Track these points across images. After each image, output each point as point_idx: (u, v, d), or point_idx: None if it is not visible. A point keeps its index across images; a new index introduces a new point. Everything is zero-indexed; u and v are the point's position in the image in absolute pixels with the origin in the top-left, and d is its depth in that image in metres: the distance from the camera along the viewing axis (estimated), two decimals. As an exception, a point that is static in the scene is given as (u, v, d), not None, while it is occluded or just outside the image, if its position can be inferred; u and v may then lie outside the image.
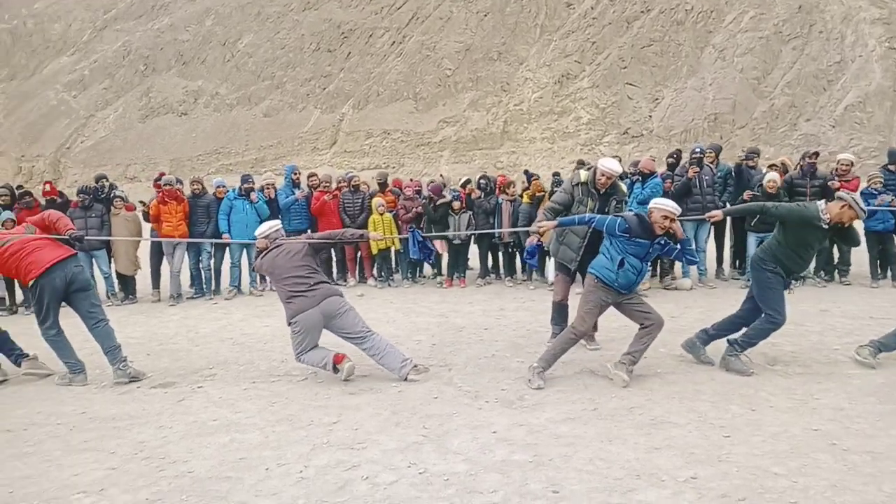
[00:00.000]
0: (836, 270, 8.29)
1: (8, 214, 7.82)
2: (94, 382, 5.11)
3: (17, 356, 5.32)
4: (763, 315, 4.84)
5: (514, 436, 3.73)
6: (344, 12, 49.91)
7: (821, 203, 4.68)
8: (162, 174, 9.90)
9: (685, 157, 8.52)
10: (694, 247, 4.88)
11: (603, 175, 5.41)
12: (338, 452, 3.57)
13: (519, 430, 3.82)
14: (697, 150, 8.24)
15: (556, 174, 9.60)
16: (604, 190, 5.48)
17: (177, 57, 52.13)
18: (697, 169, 7.96)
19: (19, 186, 9.01)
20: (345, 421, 4.03)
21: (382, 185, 9.72)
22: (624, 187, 5.77)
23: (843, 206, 4.55)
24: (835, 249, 8.30)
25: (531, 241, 5.73)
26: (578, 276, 5.74)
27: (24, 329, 7.27)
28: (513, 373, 4.95)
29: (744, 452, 3.42)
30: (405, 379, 4.74)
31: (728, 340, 4.96)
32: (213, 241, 8.46)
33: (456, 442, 3.66)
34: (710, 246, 8.90)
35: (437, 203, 8.75)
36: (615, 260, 4.59)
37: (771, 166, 8.35)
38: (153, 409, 4.41)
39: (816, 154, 8.26)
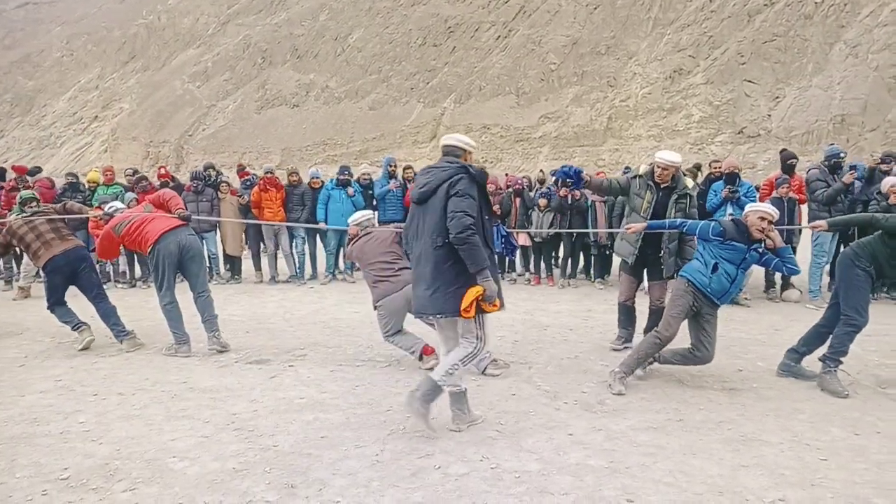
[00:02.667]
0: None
1: (132, 196, 8.57)
2: (196, 355, 5.51)
3: (119, 331, 5.79)
4: (842, 318, 4.48)
5: (592, 440, 3.65)
6: (451, 7, 50.38)
7: None
8: (241, 165, 10.48)
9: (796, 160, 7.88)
10: (793, 256, 4.54)
11: (659, 167, 5.10)
12: (413, 440, 3.64)
13: (597, 434, 3.73)
14: (841, 153, 7.54)
15: (626, 168, 9.24)
16: (664, 184, 5.17)
17: (292, 51, 54.76)
18: (855, 175, 7.27)
19: (135, 172, 9.79)
20: (422, 410, 4.10)
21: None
22: (689, 181, 5.39)
23: None
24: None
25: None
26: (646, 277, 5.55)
27: (140, 301, 7.96)
28: (595, 376, 4.83)
29: (842, 479, 3.16)
30: (483, 373, 4.75)
31: (819, 359, 4.62)
32: (313, 226, 8.83)
33: (530, 441, 3.64)
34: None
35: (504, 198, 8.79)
36: (709, 264, 4.37)
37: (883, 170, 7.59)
38: (247, 384, 4.69)
39: None
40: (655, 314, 5.49)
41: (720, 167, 8.06)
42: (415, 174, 9.57)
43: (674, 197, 5.17)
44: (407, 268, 5.04)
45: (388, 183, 9.38)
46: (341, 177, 9.18)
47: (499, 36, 47.74)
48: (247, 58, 55.97)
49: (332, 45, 53.36)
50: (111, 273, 9.46)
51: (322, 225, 8.83)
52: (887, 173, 7.70)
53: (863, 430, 3.76)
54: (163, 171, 9.72)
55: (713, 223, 4.41)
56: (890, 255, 4.38)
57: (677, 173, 5.22)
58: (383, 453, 3.47)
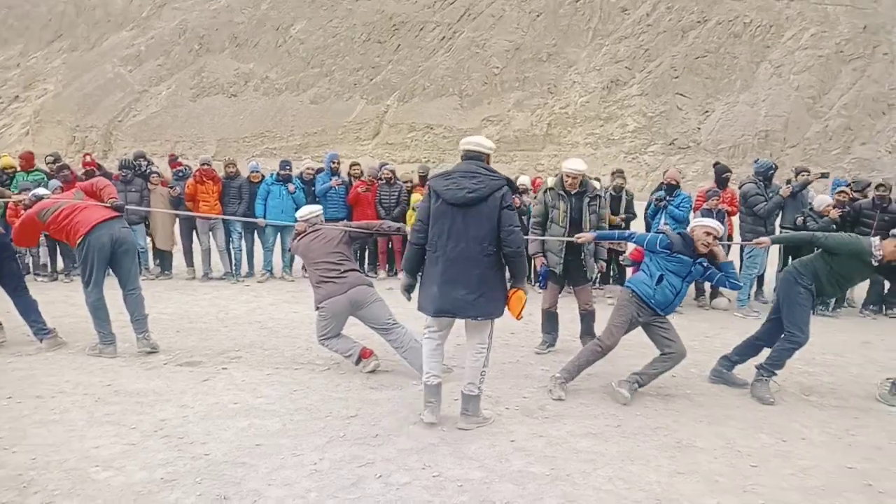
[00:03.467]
0: (884, 302, 7.95)
1: (56, 183, 8.04)
2: (122, 356, 5.21)
3: (39, 329, 5.41)
4: (784, 334, 4.68)
5: (533, 446, 3.65)
6: (396, 4, 50.12)
7: (875, 239, 4.47)
8: (172, 155, 10.03)
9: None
10: (736, 271, 4.70)
11: (568, 176, 5.34)
12: (353, 447, 3.55)
13: (538, 440, 3.74)
14: (773, 166, 7.92)
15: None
16: (574, 191, 5.39)
17: (231, 38, 53.10)
18: (790, 189, 7.63)
19: (56, 158, 9.21)
20: (363, 416, 4.01)
21: (423, 179, 9.67)
22: (596, 185, 5.65)
23: None
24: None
25: (541, 263, 5.60)
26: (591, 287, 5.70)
27: (62, 296, 7.49)
28: (536, 381, 4.87)
29: (771, 485, 3.28)
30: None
31: (756, 366, 4.81)
32: (252, 220, 8.51)
33: (473, 447, 3.61)
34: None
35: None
36: (654, 276, 4.47)
37: (840, 192, 7.99)
38: (177, 388, 4.46)
39: (889, 187, 7.83)
40: (586, 318, 5.66)
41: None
42: (361, 171, 9.44)
43: (586, 200, 5.40)
44: (354, 270, 4.94)
45: (331, 180, 9.18)
46: (282, 172, 8.91)
47: (443, 37, 47.85)
48: (183, 43, 53.86)
49: (274, 35, 52.05)
50: (30, 265, 8.85)
51: (261, 220, 8.54)
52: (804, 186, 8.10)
53: (789, 437, 3.92)
54: (87, 158, 9.12)
55: (661, 235, 4.51)
56: (829, 273, 4.57)
57: (584, 178, 5.44)
58: (322, 462, 3.36)
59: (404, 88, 45.77)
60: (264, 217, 8.63)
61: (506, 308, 3.90)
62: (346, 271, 4.85)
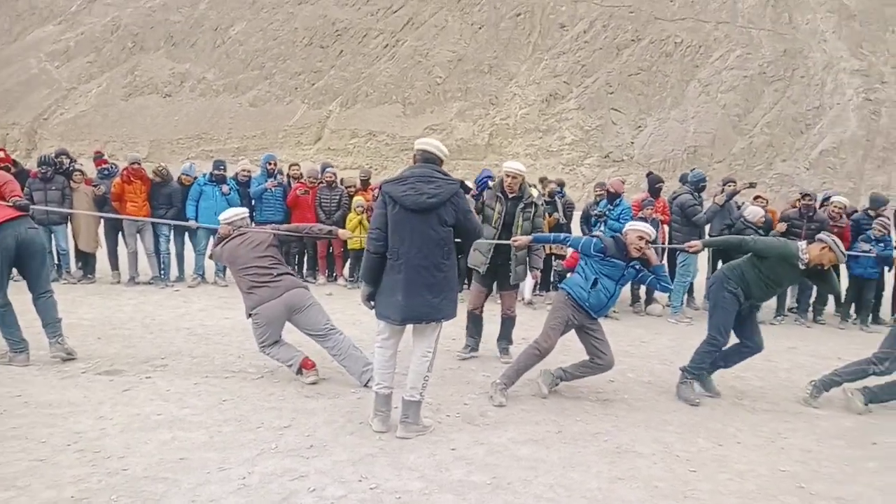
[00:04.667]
0: (812, 308, 8.31)
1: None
2: (35, 364, 4.81)
3: None
4: (706, 336, 4.81)
5: (474, 455, 3.56)
6: (340, 10, 49.71)
7: (802, 243, 4.63)
8: (98, 152, 9.46)
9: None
10: (667, 274, 4.78)
11: (508, 175, 5.34)
12: (286, 460, 3.36)
13: (479, 448, 3.66)
14: (706, 177, 8.18)
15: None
16: (512, 194, 5.39)
17: (166, 38, 51.30)
18: (725, 198, 7.87)
19: None
20: (297, 426, 3.82)
21: (364, 183, 9.50)
22: (534, 191, 5.68)
23: (823, 248, 4.50)
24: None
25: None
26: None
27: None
28: (477, 387, 4.79)
29: (709, 489, 3.30)
30: (366, 385, 4.53)
31: (680, 368, 4.93)
32: (181, 223, 8.11)
33: (412, 457, 3.49)
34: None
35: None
36: (589, 279, 4.49)
37: (756, 198, 8.33)
38: (95, 398, 4.14)
39: (814, 197, 8.22)
40: (506, 323, 5.67)
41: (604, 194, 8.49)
42: (301, 173, 9.19)
43: (520, 206, 5.39)
44: (288, 273, 4.73)
45: (266, 181, 8.89)
46: (216, 172, 8.54)
47: (387, 45, 47.72)
48: (115, 41, 51.60)
49: (212, 35, 50.60)
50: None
51: (192, 223, 8.15)
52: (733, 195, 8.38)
53: (725, 441, 3.98)
54: (1, 153, 8.42)
55: (595, 240, 4.54)
56: (757, 277, 4.68)
57: (524, 183, 5.46)
58: (251, 476, 3.16)
59: (347, 94, 45.32)
60: (196, 219, 8.24)
61: None
62: (279, 275, 4.63)
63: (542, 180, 9.03)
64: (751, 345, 4.87)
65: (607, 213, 7.90)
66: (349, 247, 9.01)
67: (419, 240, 3.63)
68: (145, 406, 4.05)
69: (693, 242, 5.13)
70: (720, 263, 7.80)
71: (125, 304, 7.31)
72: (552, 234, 5.06)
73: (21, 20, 55.45)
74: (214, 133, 45.18)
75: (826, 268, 4.59)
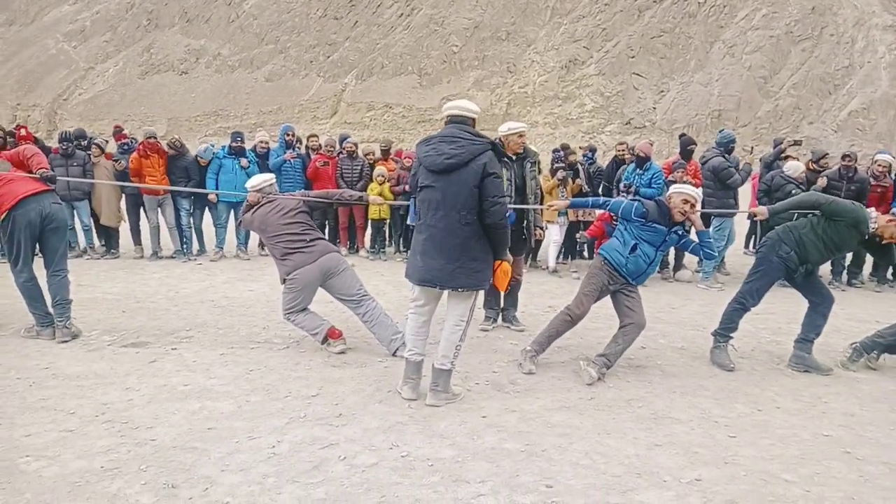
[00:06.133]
0: (847, 271, 8.06)
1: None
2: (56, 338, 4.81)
3: None
4: (737, 294, 4.69)
5: (506, 422, 3.48)
6: (353, -21, 48.97)
7: (871, 210, 4.42)
8: (119, 126, 9.40)
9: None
10: (711, 240, 4.57)
11: (515, 135, 5.00)
12: (315, 428, 3.31)
13: (510, 416, 3.57)
14: (734, 137, 7.91)
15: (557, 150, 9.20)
16: (516, 154, 5.13)
17: (181, 14, 51.10)
18: (772, 158, 7.74)
19: (10, 133, 8.49)
20: (325, 395, 3.77)
21: (385, 153, 9.35)
22: (534, 148, 5.44)
23: (890, 221, 4.29)
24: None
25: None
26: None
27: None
28: (505, 355, 4.70)
29: (751, 455, 3.18)
30: (394, 354, 4.47)
31: (711, 333, 4.80)
32: (203, 192, 8.04)
33: (443, 424, 3.41)
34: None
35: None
36: (628, 244, 4.31)
37: (786, 158, 8.03)
38: (122, 370, 4.13)
39: (854, 157, 7.89)
40: (514, 287, 5.43)
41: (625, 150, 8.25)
42: (319, 145, 9.05)
43: (527, 166, 5.20)
44: (321, 238, 4.66)
45: (285, 153, 8.79)
46: (234, 144, 8.45)
47: (401, 14, 47.02)
48: (130, 18, 51.55)
49: (226, 10, 50.28)
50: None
51: (212, 194, 8.09)
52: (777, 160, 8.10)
53: (764, 406, 3.85)
54: (23, 131, 8.41)
55: (636, 203, 4.35)
56: (818, 240, 4.45)
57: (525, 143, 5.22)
58: (280, 445, 3.11)
59: (362, 66, 44.89)
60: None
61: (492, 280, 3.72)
62: (312, 240, 4.56)
63: (565, 148, 8.79)
64: (823, 301, 4.65)
65: (636, 180, 7.64)
66: (370, 217, 8.91)
67: (437, 202, 3.52)
68: (172, 377, 4.03)
69: (759, 209, 4.85)
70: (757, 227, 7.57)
71: (149, 279, 7.32)
72: (590, 198, 4.86)
73: (38, 1, 55.56)
74: (231, 109, 45.21)
75: (885, 241, 4.39)
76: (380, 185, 8.64)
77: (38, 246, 4.76)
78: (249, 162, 8.46)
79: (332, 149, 8.87)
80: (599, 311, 5.18)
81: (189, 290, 6.73)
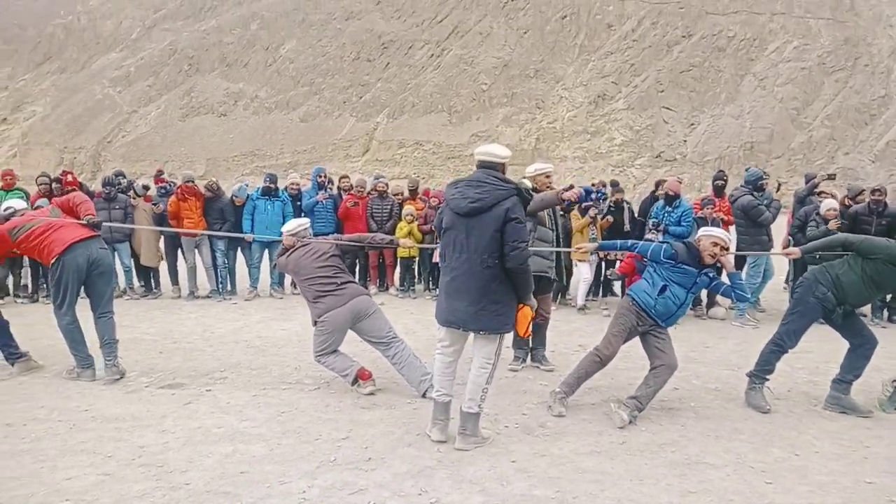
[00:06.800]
0: (887, 307, 7.81)
1: (44, 202, 7.77)
2: (102, 378, 4.95)
3: (10, 353, 5.15)
4: (774, 336, 4.59)
5: (536, 467, 3.45)
6: (385, 23, 50.47)
7: None
8: (160, 171, 9.78)
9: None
10: (743, 281, 4.52)
11: (543, 175, 5.19)
12: (345, 472, 3.33)
13: (540, 460, 3.54)
14: (764, 174, 7.79)
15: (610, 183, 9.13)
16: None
17: (220, 59, 53.15)
18: (805, 193, 7.69)
19: (54, 178, 8.90)
20: (354, 438, 3.80)
21: (413, 192, 9.51)
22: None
23: None
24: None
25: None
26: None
27: (42, 318, 7.22)
28: (535, 396, 4.67)
29: (788, 503, 3.09)
30: (423, 395, 4.49)
31: (747, 374, 4.69)
32: (238, 235, 8.29)
33: (472, 469, 3.40)
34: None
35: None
36: (657, 285, 4.29)
37: (820, 193, 7.90)
38: (158, 412, 4.23)
39: (884, 191, 7.71)
40: (541, 326, 5.44)
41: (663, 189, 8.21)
42: (351, 185, 9.24)
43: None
44: (351, 282, 4.76)
45: (317, 194, 9.00)
46: (267, 185, 8.71)
47: (432, 54, 48.12)
48: (172, 64, 53.82)
49: (263, 54, 52.16)
50: (10, 286, 8.57)
51: (248, 236, 8.32)
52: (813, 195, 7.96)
53: (802, 450, 3.75)
54: (69, 177, 8.82)
55: (665, 245, 4.35)
56: (857, 279, 4.35)
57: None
58: (311, 490, 3.14)
59: (393, 105, 45.88)
60: (252, 233, 8.41)
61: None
62: (343, 283, 4.67)
63: (614, 184, 8.75)
64: (865, 342, 4.52)
65: (664, 217, 7.60)
66: (399, 255, 9.02)
67: (461, 245, 3.60)
68: (206, 419, 4.11)
69: (792, 250, 4.81)
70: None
71: (185, 318, 7.51)
72: (618, 241, 4.87)
73: (87, 49, 58.45)
74: (267, 149, 46.45)
75: None
76: (408, 223, 8.77)
77: (83, 289, 4.95)
78: (282, 198, 8.74)
79: (361, 189, 9.07)
80: (630, 351, 5.13)
81: (224, 330, 6.88)
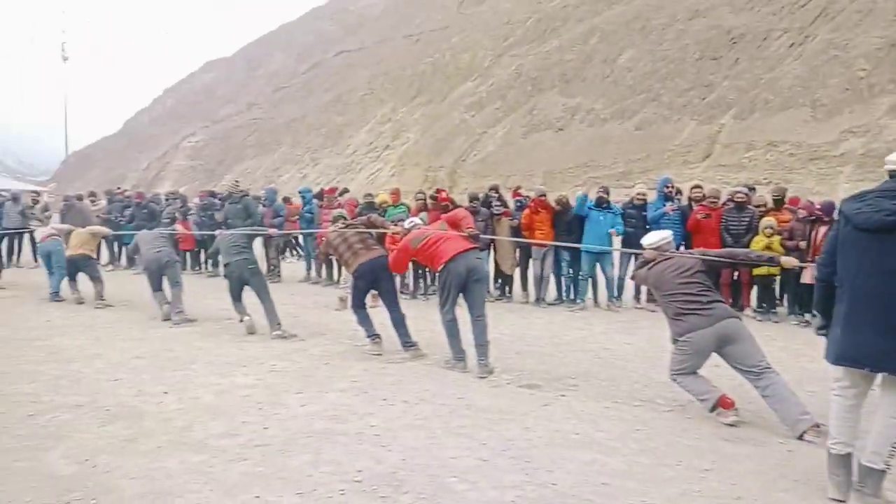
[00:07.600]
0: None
1: (421, 216, 9.25)
2: (470, 372, 5.61)
3: (404, 341, 6.22)
4: None
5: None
6: (735, 16, 46.51)
7: None
8: (518, 186, 10.56)
9: None
10: None
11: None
12: (710, 505, 3.12)
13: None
14: None
15: None
16: None
17: (560, 76, 55.76)
18: None
19: (431, 196, 10.52)
20: (719, 471, 3.53)
21: (778, 202, 8.51)
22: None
23: None
24: None
25: None
26: None
27: (421, 313, 8.44)
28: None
29: None
30: (800, 437, 3.95)
31: None
32: (577, 246, 8.60)
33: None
34: None
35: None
36: None
37: None
38: (519, 409, 4.58)
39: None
40: None
41: None
42: (703, 195, 8.76)
43: None
44: (719, 301, 4.48)
45: (665, 206, 8.72)
46: (599, 195, 8.88)
47: (792, 43, 42.45)
48: (518, 86, 58.48)
49: (601, 67, 52.98)
50: (398, 284, 10.40)
51: (585, 247, 8.60)
52: None
53: None
54: (443, 194, 10.36)
55: None
56: None
57: None
58: (677, 517, 3.02)
59: (742, 104, 41.82)
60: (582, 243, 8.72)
61: None
62: (709, 302, 4.41)
63: None
64: None
65: None
66: (754, 272, 8.15)
67: (869, 265, 3.02)
68: (563, 423, 4.29)
69: None
70: None
71: (535, 323, 8.04)
72: None
73: (449, 81, 67.45)
74: (601, 160, 46.91)
75: None
76: (767, 237, 7.87)
77: (462, 293, 5.70)
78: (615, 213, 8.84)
79: (715, 200, 8.46)
80: None
81: (569, 338, 7.15)
